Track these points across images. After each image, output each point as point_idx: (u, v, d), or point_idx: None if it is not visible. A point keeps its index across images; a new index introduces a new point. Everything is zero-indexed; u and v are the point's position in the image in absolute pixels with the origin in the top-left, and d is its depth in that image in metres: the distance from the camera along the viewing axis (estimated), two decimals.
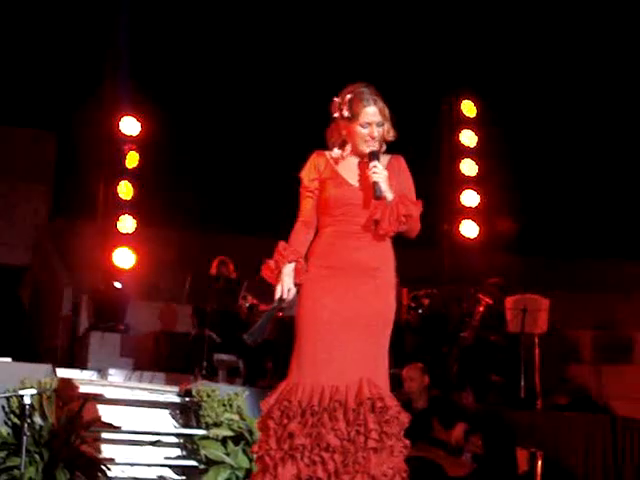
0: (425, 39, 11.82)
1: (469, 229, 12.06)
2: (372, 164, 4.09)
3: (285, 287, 4.11)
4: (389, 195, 4.06)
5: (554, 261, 12.24)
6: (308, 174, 4.23)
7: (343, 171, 4.21)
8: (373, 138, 4.15)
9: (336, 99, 4.24)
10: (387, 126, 4.19)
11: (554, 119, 12.15)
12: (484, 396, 9.18)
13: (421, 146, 10.96)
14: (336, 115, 4.22)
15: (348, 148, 4.22)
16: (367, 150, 4.16)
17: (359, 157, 4.23)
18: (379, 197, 4.05)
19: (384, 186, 4.05)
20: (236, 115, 11.58)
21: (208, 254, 9.71)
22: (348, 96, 4.19)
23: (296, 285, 4.14)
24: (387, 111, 4.19)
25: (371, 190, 4.10)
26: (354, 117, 4.15)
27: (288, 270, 4.11)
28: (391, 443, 3.94)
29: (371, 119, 4.15)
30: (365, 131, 4.15)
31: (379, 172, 4.07)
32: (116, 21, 11.08)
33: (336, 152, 4.24)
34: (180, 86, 11.37)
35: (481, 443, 7.06)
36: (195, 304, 9.23)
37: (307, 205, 4.22)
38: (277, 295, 4.13)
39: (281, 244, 4.16)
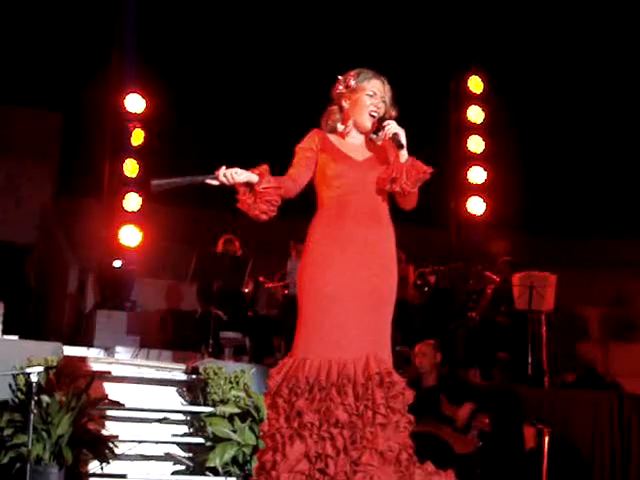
0: (433, 16, 11.76)
1: (476, 206, 12.03)
2: (385, 122, 4.10)
3: (235, 170, 3.96)
4: (405, 153, 4.05)
5: (562, 238, 12.22)
6: (307, 142, 4.21)
7: (343, 148, 4.22)
8: (377, 108, 4.17)
9: (340, 77, 4.29)
10: (389, 103, 4.22)
11: (562, 95, 12.09)
12: (491, 373, 9.18)
13: (428, 122, 10.94)
14: (340, 88, 4.25)
15: (350, 123, 4.22)
16: (369, 123, 4.18)
17: (361, 134, 4.23)
18: (403, 145, 4.03)
19: (404, 138, 4.04)
20: (241, 93, 11.56)
21: (214, 231, 9.70)
22: (354, 71, 4.26)
23: (250, 185, 3.97)
24: (390, 93, 4.24)
25: (381, 154, 4.14)
26: (360, 87, 4.19)
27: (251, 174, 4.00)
28: (396, 418, 3.93)
29: (376, 90, 4.19)
30: (370, 101, 4.18)
31: (395, 126, 4.08)
32: None
33: (340, 127, 4.26)
34: (185, 63, 11.34)
35: (488, 421, 7.06)
36: (201, 282, 9.22)
37: (300, 160, 4.16)
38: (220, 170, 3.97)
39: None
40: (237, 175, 3.97)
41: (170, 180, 4.13)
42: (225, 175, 3.97)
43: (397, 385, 3.97)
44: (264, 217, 4.04)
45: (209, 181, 4.01)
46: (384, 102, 4.21)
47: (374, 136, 4.20)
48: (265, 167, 4.02)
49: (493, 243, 10.49)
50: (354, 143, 4.24)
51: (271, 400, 4.02)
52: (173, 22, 11.27)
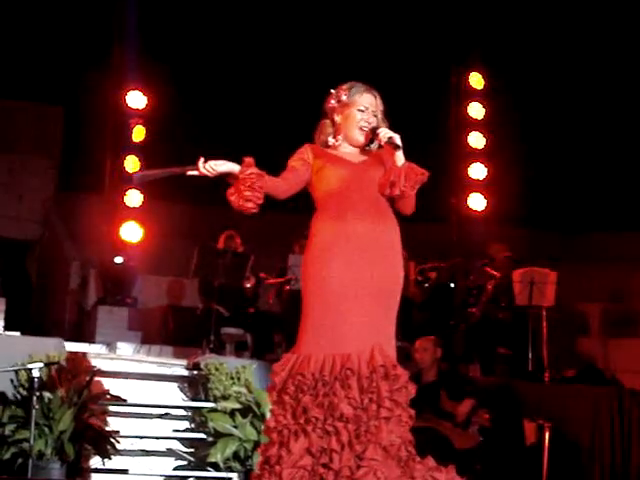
0: (434, 11, 11.75)
1: (477, 202, 12.03)
2: (379, 130, 4.14)
3: (215, 161, 3.99)
4: (402, 156, 4.07)
5: (562, 234, 12.22)
6: (298, 154, 4.24)
7: (339, 154, 4.25)
8: (368, 123, 4.20)
9: (333, 91, 4.31)
10: (380, 118, 4.23)
11: (563, 90, 12.08)
12: (491, 369, 9.20)
13: (429, 118, 10.95)
14: (332, 102, 4.28)
15: (340, 137, 4.25)
16: (360, 137, 4.20)
17: (353, 147, 4.26)
18: (399, 147, 4.06)
19: (399, 140, 4.07)
20: (244, 88, 11.55)
21: (215, 228, 9.71)
22: (346, 85, 4.29)
23: (231, 178, 3.99)
24: (382, 107, 4.26)
25: (376, 159, 4.18)
26: (352, 101, 4.22)
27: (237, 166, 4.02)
28: (399, 412, 3.94)
29: (368, 105, 4.22)
30: (360, 116, 4.21)
31: (388, 131, 4.12)
32: None
33: (330, 140, 4.27)
34: (186, 59, 11.33)
35: (488, 417, 7.08)
36: (202, 278, 9.24)
37: (292, 167, 4.17)
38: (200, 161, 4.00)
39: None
40: (217, 166, 4.00)
41: (152, 172, 4.19)
42: (205, 167, 3.99)
43: (401, 378, 3.97)
44: (250, 205, 3.99)
45: (190, 172, 4.04)
46: (375, 117, 4.22)
47: (368, 147, 4.24)
48: (250, 159, 4.03)
49: (491, 247, 10.45)
50: (347, 152, 4.27)
51: (277, 397, 4.02)
52: (175, 17, 11.26)
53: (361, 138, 4.22)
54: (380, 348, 3.98)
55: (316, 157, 4.21)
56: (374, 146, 4.23)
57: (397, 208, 4.18)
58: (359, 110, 4.21)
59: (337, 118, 4.26)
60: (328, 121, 4.30)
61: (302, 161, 4.20)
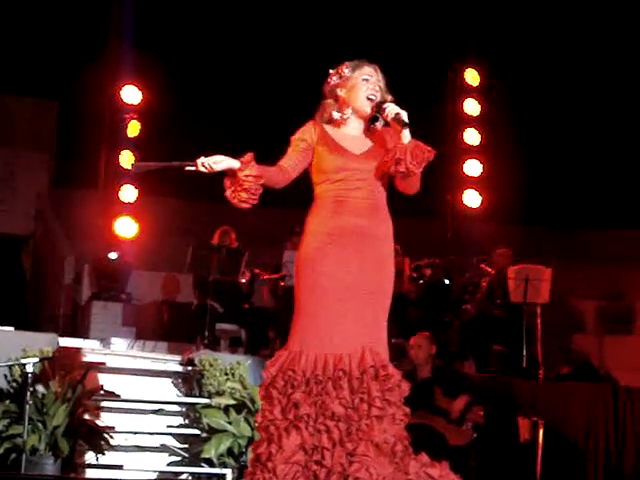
0: (430, 7, 11.74)
1: (472, 199, 12.03)
2: (384, 105, 4.08)
3: (214, 158, 3.94)
4: (408, 134, 4.02)
5: (558, 231, 12.23)
6: (302, 133, 4.20)
7: (340, 141, 4.18)
8: (375, 91, 4.14)
9: (332, 70, 4.27)
10: (384, 89, 4.18)
11: (560, 86, 12.08)
12: (486, 366, 9.20)
13: (424, 115, 10.90)
14: (334, 79, 4.22)
15: (348, 111, 4.20)
16: (368, 108, 4.13)
17: (359, 119, 4.19)
18: (407, 124, 4.00)
19: (406, 117, 4.02)
20: (238, 83, 11.53)
21: (210, 223, 9.70)
22: (345, 63, 4.24)
23: (231, 172, 3.96)
24: (384, 79, 4.21)
25: (380, 141, 4.12)
26: (354, 74, 4.17)
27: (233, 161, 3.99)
28: (392, 411, 3.94)
29: (369, 75, 4.17)
30: (366, 85, 4.15)
31: (395, 106, 4.06)
32: None
33: (336, 115, 4.21)
34: (181, 54, 11.32)
35: (482, 413, 7.09)
36: (197, 274, 9.23)
37: (293, 151, 4.15)
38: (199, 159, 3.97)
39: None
40: (216, 164, 3.96)
41: (149, 163, 4.21)
42: (204, 164, 3.97)
43: (393, 378, 3.96)
44: (245, 205, 4.00)
45: (188, 168, 4.01)
46: (379, 87, 4.18)
47: (373, 125, 4.17)
48: (250, 155, 4.00)
49: (495, 252, 10.43)
50: (352, 134, 4.21)
51: (265, 392, 4.02)
52: (170, 12, 11.24)
53: (368, 108, 4.14)
54: (371, 348, 3.96)
55: (319, 141, 4.15)
56: (379, 125, 4.15)
57: (400, 188, 4.12)
58: (364, 79, 4.16)
59: (341, 92, 4.19)
60: (330, 100, 4.23)
61: (305, 143, 4.14)
